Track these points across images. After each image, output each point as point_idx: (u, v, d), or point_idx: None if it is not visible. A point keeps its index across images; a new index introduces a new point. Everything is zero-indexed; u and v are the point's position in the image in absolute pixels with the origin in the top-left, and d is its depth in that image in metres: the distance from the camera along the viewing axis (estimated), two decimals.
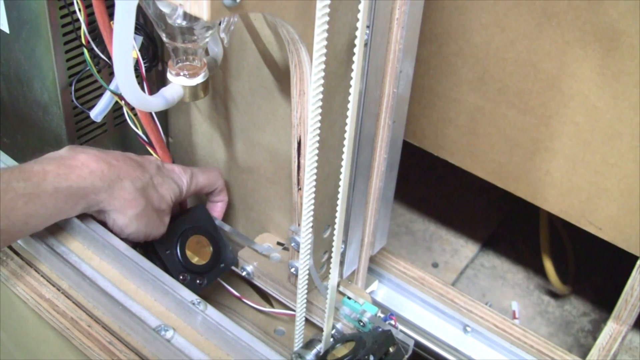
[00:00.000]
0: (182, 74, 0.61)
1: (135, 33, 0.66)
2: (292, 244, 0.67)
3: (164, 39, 0.60)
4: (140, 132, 0.72)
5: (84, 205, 0.63)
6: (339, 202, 0.55)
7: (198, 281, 0.72)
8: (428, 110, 0.94)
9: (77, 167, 0.62)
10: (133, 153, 0.71)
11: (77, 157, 0.63)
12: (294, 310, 0.67)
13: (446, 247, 1.24)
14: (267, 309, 0.81)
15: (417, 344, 0.84)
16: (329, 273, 0.61)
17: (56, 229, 0.68)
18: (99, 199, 0.63)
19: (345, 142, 0.52)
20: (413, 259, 1.20)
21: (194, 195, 0.75)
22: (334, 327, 0.70)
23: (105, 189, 0.63)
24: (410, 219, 1.29)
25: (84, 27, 0.67)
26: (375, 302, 0.75)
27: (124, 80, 0.55)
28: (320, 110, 0.52)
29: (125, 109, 0.72)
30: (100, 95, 0.75)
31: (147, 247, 0.71)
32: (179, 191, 0.71)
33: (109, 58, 0.68)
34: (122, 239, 0.68)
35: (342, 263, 0.74)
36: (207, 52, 0.68)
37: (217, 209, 0.79)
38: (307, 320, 0.70)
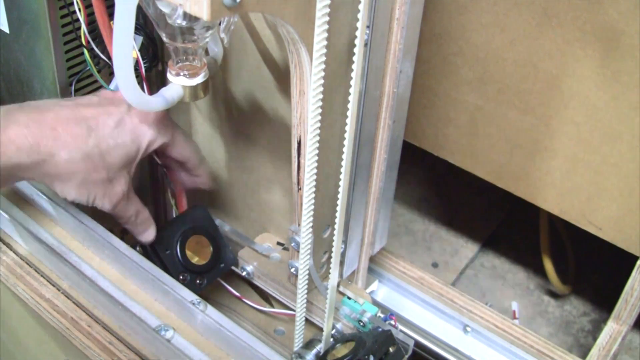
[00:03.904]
0: (182, 74, 0.61)
1: (135, 33, 0.66)
2: (292, 244, 0.67)
3: (164, 39, 0.60)
4: None
5: (10, 182, 0.61)
6: (339, 202, 0.55)
7: (198, 281, 0.72)
8: (428, 110, 0.94)
9: (3, 145, 0.57)
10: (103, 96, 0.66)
11: (8, 130, 0.58)
12: (294, 310, 0.67)
13: (446, 247, 1.24)
14: (267, 309, 0.81)
15: (417, 344, 0.84)
16: (329, 273, 0.61)
17: (56, 229, 0.68)
18: (27, 176, 0.60)
19: (345, 142, 0.52)
20: (413, 259, 1.20)
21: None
22: (334, 327, 0.70)
23: (33, 166, 0.59)
24: (410, 219, 1.29)
25: (84, 27, 0.67)
26: (375, 302, 0.75)
27: (124, 80, 0.55)
28: (320, 110, 0.52)
29: None
30: None
31: (147, 247, 0.71)
32: (135, 152, 0.65)
33: (109, 58, 0.68)
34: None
35: (342, 263, 0.74)
36: (207, 52, 0.68)
37: (198, 184, 0.74)
38: (307, 320, 0.70)
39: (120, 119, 0.63)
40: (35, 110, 0.60)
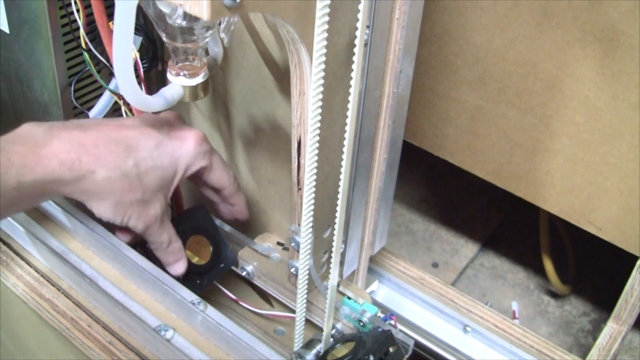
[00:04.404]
0: (182, 74, 0.61)
1: (135, 33, 0.66)
2: (292, 244, 0.67)
3: (164, 39, 0.60)
4: None
5: (49, 196, 0.61)
6: (339, 202, 0.55)
7: (198, 281, 0.72)
8: (428, 110, 0.94)
9: (46, 158, 0.57)
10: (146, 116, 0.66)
11: (50, 144, 0.58)
12: (293, 312, 0.67)
13: (446, 247, 1.24)
14: (266, 311, 0.81)
15: (417, 344, 0.84)
16: (329, 273, 0.61)
17: (56, 229, 0.68)
18: (66, 191, 0.60)
19: (345, 142, 0.52)
20: (413, 259, 1.20)
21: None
22: (334, 327, 0.70)
23: (73, 181, 0.59)
24: (410, 219, 1.29)
25: (82, 29, 0.67)
26: (375, 302, 0.75)
27: (124, 81, 0.55)
28: (320, 110, 0.52)
29: (123, 109, 0.72)
30: (100, 95, 0.75)
31: (147, 247, 0.70)
32: (172, 175, 0.65)
33: (108, 59, 0.69)
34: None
35: (342, 263, 0.74)
36: (207, 52, 0.68)
37: (234, 214, 0.74)
38: (307, 320, 0.70)
39: (160, 141, 0.63)
40: (79, 128, 0.61)
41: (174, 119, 0.67)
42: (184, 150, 0.65)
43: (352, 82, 0.50)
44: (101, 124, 0.62)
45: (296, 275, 0.66)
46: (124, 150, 0.61)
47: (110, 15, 0.59)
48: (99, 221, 0.68)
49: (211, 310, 0.61)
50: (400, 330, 0.69)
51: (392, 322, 0.70)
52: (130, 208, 0.63)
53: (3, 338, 0.76)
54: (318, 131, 0.53)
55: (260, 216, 0.80)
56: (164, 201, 0.65)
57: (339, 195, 0.55)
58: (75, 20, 0.68)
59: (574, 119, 0.81)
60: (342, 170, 0.54)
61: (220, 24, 0.62)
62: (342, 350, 0.63)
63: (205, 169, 0.67)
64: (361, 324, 0.68)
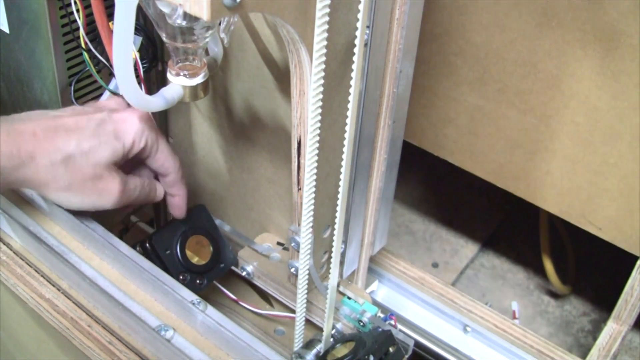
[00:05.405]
0: (182, 74, 0.61)
1: (135, 33, 0.66)
2: (292, 244, 0.67)
3: (164, 39, 0.60)
4: None
5: None
6: (339, 202, 0.55)
7: (198, 281, 0.72)
8: (428, 110, 0.94)
9: None
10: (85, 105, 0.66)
11: None
12: (293, 313, 0.67)
13: (446, 247, 1.24)
14: (266, 312, 0.81)
15: (417, 344, 0.85)
16: (329, 273, 0.61)
17: (56, 229, 0.68)
18: (10, 181, 0.60)
19: (345, 142, 0.52)
20: (413, 259, 1.20)
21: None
22: (334, 327, 0.70)
23: (14, 170, 0.59)
24: (410, 219, 1.29)
25: (82, 29, 0.67)
26: (375, 302, 0.75)
27: (124, 81, 0.55)
28: (320, 110, 0.52)
29: None
30: (100, 95, 0.75)
31: (147, 247, 0.71)
32: (122, 149, 0.64)
33: (108, 60, 0.69)
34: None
35: (342, 263, 0.74)
36: (207, 52, 0.68)
37: (171, 205, 0.72)
38: (307, 320, 0.70)
39: (101, 120, 0.63)
40: (18, 121, 0.61)
41: (116, 104, 0.67)
42: (128, 124, 0.64)
43: (352, 82, 0.50)
44: (41, 115, 0.63)
45: (296, 275, 0.66)
46: (64, 134, 0.61)
47: (110, 15, 0.59)
48: (99, 220, 0.68)
49: (211, 310, 0.61)
50: (400, 330, 0.69)
51: (392, 322, 0.70)
52: (86, 188, 0.62)
53: (3, 338, 0.76)
54: (318, 131, 0.53)
55: (260, 216, 0.80)
56: (122, 172, 0.65)
57: (339, 195, 0.55)
58: (75, 20, 0.68)
59: (574, 119, 0.81)
60: (342, 170, 0.54)
61: (220, 24, 0.62)
62: (342, 350, 0.63)
63: (152, 148, 0.66)
64: (361, 324, 0.68)
